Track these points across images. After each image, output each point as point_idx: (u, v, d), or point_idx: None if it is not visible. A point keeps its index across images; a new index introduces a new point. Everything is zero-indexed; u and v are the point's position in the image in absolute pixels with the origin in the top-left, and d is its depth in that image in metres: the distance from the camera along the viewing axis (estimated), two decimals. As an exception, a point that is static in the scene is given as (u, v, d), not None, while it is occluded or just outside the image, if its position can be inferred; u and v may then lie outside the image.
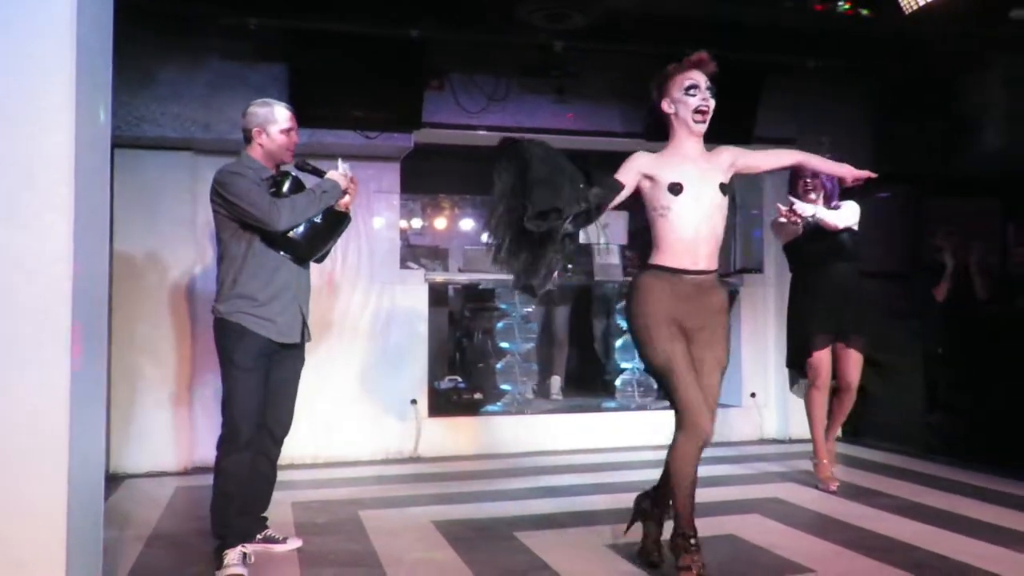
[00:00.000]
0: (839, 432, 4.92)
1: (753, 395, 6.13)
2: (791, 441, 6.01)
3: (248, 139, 3.26)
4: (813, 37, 5.10)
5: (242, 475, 3.15)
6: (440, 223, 7.93)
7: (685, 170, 2.92)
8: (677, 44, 5.05)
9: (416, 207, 7.80)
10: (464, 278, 6.07)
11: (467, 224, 7.88)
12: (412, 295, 5.55)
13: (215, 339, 3.20)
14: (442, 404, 5.81)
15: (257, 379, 3.16)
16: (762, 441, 5.85)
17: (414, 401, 5.45)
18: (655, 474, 4.94)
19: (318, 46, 4.88)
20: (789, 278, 4.85)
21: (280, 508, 3.85)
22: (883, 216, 6.48)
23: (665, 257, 2.94)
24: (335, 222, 3.34)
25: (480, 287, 6.21)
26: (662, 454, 5.77)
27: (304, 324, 3.31)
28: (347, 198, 3.33)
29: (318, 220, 3.24)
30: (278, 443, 3.38)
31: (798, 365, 4.65)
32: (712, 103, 2.93)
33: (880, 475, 4.92)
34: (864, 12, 4.44)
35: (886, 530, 3.69)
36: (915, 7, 4.10)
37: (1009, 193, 6.57)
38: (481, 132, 5.56)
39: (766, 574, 3.15)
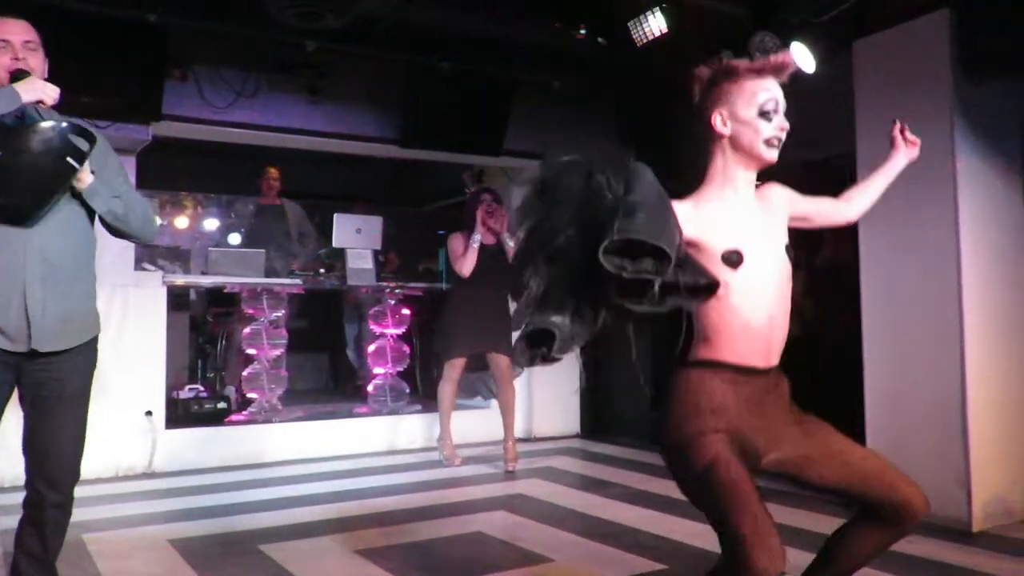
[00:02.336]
0: (514, 431, 5.38)
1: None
2: (535, 439, 6.34)
3: None
4: (559, 58, 5.45)
5: None
6: (181, 222, 7.46)
7: (741, 227, 1.94)
8: (430, 54, 5.23)
9: (154, 204, 7.28)
10: (207, 281, 5.75)
11: (211, 224, 7.48)
12: (148, 298, 5.16)
13: None
14: (181, 415, 5.46)
15: None
16: (516, 440, 6.10)
17: (149, 412, 5.07)
18: (407, 477, 5.05)
19: (38, 22, 4.38)
20: None
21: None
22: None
23: (724, 349, 1.91)
24: (29, 150, 2.26)
25: (225, 291, 5.92)
26: (414, 457, 5.86)
27: (29, 329, 2.30)
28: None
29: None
30: (46, 503, 2.37)
31: (440, 363, 5.37)
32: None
33: (613, 467, 5.34)
34: (600, 40, 4.81)
35: (616, 517, 4.02)
36: (644, 40, 4.51)
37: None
38: (227, 128, 5.32)
39: (510, 566, 3.30)
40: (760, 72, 1.96)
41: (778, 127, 1.96)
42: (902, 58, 4.06)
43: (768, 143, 1.95)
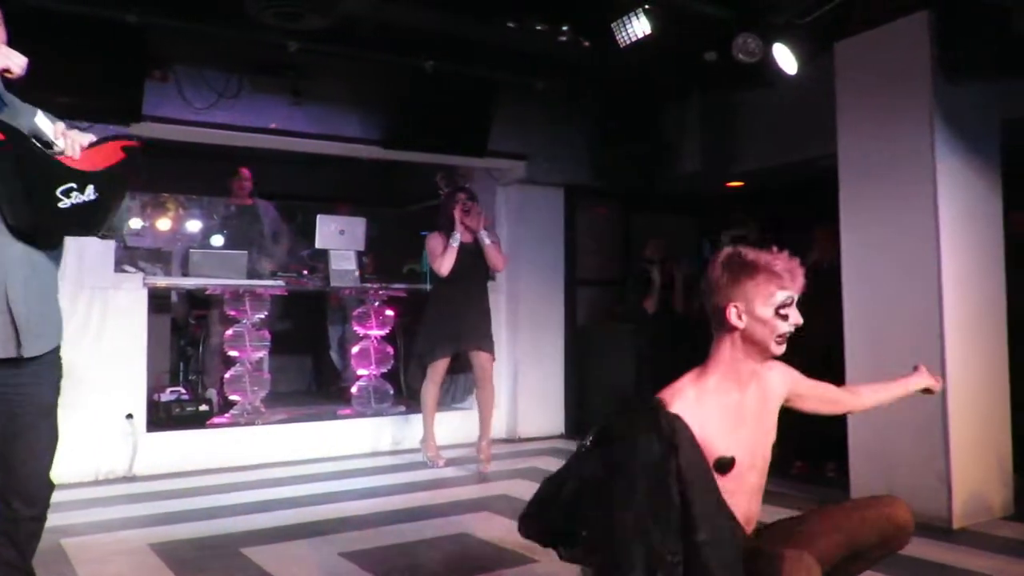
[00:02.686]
0: (491, 431, 5.35)
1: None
2: (520, 440, 6.34)
3: None
4: (542, 60, 5.45)
5: None
6: (163, 224, 7.39)
7: (737, 429, 2.01)
8: (413, 54, 5.22)
9: (135, 206, 7.21)
10: (189, 282, 5.70)
11: (193, 226, 7.42)
12: (129, 300, 5.11)
13: None
14: (163, 418, 5.41)
15: None
16: (492, 440, 6.09)
17: (130, 415, 5.02)
18: (391, 479, 5.03)
19: (19, 23, 4.33)
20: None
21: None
22: (598, 229, 7.07)
23: None
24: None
25: (207, 292, 5.88)
26: (398, 459, 5.83)
27: (16, 330, 2.14)
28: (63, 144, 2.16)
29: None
30: (21, 518, 2.23)
31: (424, 365, 5.25)
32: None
33: (597, 468, 5.33)
34: (584, 42, 4.82)
35: (600, 518, 4.01)
36: (628, 42, 4.52)
37: (704, 212, 7.45)
38: (209, 129, 5.28)
39: (495, 567, 3.30)
40: (782, 277, 1.98)
41: (793, 324, 2.00)
42: (883, 59, 4.09)
43: (780, 340, 1.99)
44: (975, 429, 3.88)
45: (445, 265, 5.07)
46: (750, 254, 2.01)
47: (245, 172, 6.57)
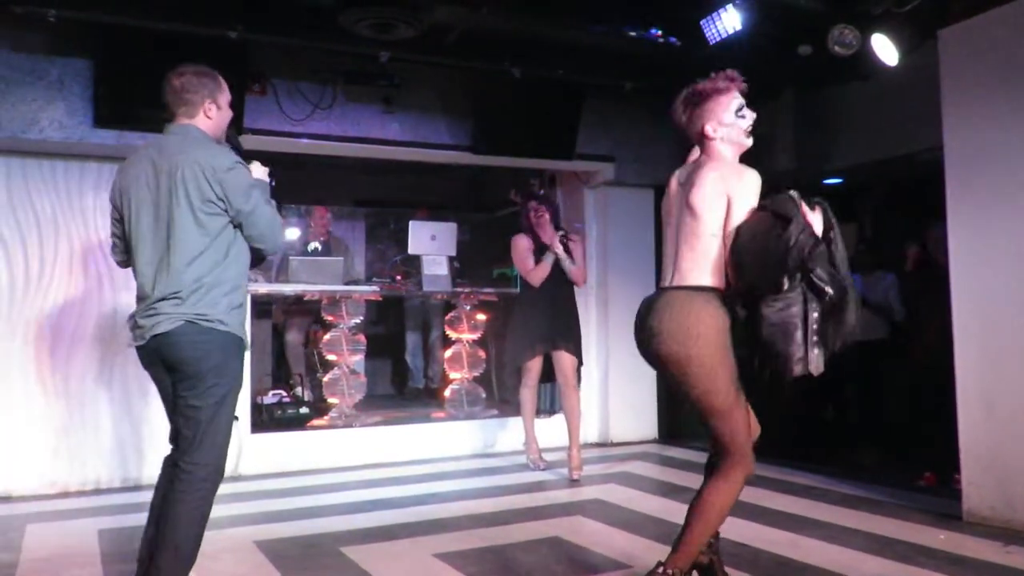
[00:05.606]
0: (579, 438, 5.24)
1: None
2: (612, 444, 6.30)
3: (193, 113, 2.79)
4: (629, 61, 5.40)
5: None
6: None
7: None
8: (500, 60, 5.26)
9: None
10: (289, 289, 5.90)
11: (292, 234, 7.66)
12: (233, 307, 5.33)
13: (212, 356, 2.77)
14: (265, 420, 5.62)
15: None
16: (584, 445, 6.07)
17: (236, 417, 5.19)
18: (484, 482, 5.08)
19: (126, 42, 4.58)
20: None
21: (85, 536, 3.58)
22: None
23: (721, 279, 2.69)
24: None
25: (305, 299, 6.06)
26: (491, 462, 5.86)
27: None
28: None
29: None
30: None
31: (516, 368, 5.27)
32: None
33: (691, 472, 5.23)
34: (672, 40, 4.75)
35: (696, 523, 3.94)
36: (718, 39, 4.44)
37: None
38: (306, 140, 5.45)
39: (587, 571, 3.28)
40: (731, 90, 2.65)
41: (751, 119, 2.66)
42: (992, 46, 3.88)
43: (747, 132, 2.67)
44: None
45: (537, 277, 5.11)
46: (697, 86, 2.67)
47: (322, 211, 6.78)
